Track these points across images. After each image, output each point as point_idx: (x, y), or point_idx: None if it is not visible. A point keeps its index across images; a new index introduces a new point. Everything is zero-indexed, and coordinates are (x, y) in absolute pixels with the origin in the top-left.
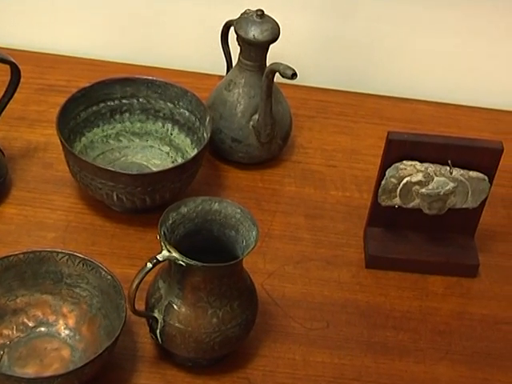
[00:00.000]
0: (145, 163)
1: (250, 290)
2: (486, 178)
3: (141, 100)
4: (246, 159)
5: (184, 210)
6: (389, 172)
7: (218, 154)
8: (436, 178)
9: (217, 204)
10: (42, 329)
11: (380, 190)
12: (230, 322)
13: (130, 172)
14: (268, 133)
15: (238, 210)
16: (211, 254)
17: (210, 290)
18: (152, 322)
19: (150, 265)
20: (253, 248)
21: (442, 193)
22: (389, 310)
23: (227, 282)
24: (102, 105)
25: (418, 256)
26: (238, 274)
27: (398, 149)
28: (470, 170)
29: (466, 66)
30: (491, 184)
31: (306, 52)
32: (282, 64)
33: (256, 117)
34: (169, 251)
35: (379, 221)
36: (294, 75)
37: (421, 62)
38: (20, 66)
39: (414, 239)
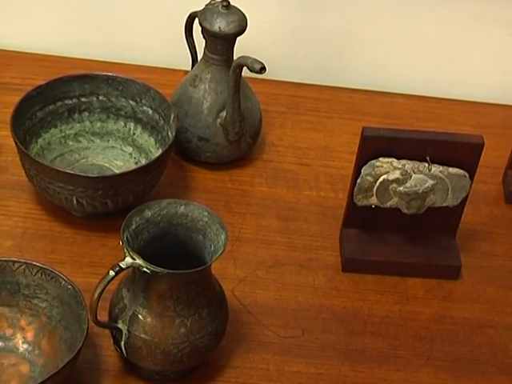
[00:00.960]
0: (106, 165)
1: (219, 298)
2: (467, 174)
3: (101, 98)
4: (214, 159)
5: (148, 213)
6: (364, 170)
7: (183, 153)
8: (414, 176)
9: (183, 207)
10: None
11: (356, 189)
12: (198, 332)
13: (91, 175)
14: (237, 131)
15: (206, 213)
16: (177, 260)
17: (176, 298)
18: (116, 334)
19: (112, 273)
20: (221, 253)
21: (420, 191)
22: (367, 316)
23: (195, 289)
24: (59, 104)
25: (396, 258)
26: (207, 281)
27: (374, 145)
28: (449, 166)
29: (447, 57)
30: (472, 181)
31: (275, 45)
32: (249, 57)
33: (223, 114)
34: (132, 258)
35: (355, 221)
36: (262, 69)
37: (398, 54)
38: None
39: (392, 240)
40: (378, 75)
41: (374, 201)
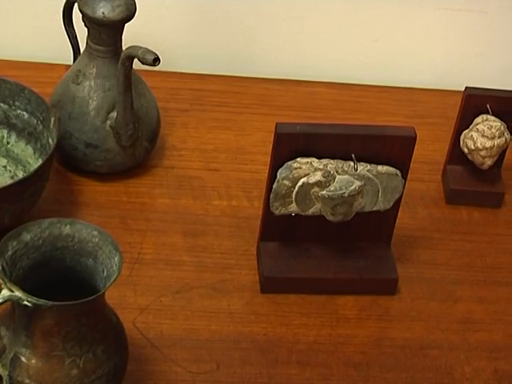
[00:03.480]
0: None
1: (116, 331)
2: (399, 172)
3: None
4: (106, 168)
5: (27, 236)
6: (281, 173)
7: (69, 163)
8: (338, 177)
9: (68, 227)
10: None
11: (272, 195)
12: (94, 373)
13: None
14: (130, 134)
15: (96, 233)
16: (65, 290)
17: (65, 334)
18: None
19: None
20: (116, 278)
21: (346, 194)
22: (292, 343)
23: (86, 322)
24: None
25: (323, 273)
26: (100, 312)
27: (290, 144)
28: (378, 164)
29: (371, 37)
30: (405, 179)
31: (173, 31)
32: (140, 47)
33: (114, 115)
34: (10, 290)
35: (274, 233)
36: (156, 60)
37: (316, 36)
38: None
39: (317, 253)
40: (293, 62)
41: (293, 208)
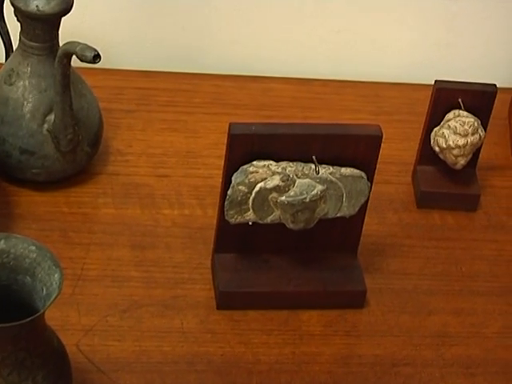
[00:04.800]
0: None
1: (58, 355)
2: (364, 174)
3: None
4: (44, 176)
5: None
6: (236, 178)
7: (2, 171)
8: (298, 181)
9: (2, 242)
10: None
11: (227, 202)
12: None
13: None
14: (70, 138)
15: (33, 248)
16: (1, 311)
17: (1, 360)
18: None
19: None
20: (56, 297)
21: (307, 199)
22: (252, 363)
23: (25, 346)
24: None
25: (285, 287)
26: (40, 335)
27: (245, 146)
28: (342, 166)
29: (333, 27)
30: (371, 182)
31: (114, 24)
32: (79, 43)
33: (51, 117)
34: None
35: (230, 244)
36: (96, 57)
37: (272, 27)
38: None
39: (277, 264)
40: (248, 56)
41: (250, 216)
